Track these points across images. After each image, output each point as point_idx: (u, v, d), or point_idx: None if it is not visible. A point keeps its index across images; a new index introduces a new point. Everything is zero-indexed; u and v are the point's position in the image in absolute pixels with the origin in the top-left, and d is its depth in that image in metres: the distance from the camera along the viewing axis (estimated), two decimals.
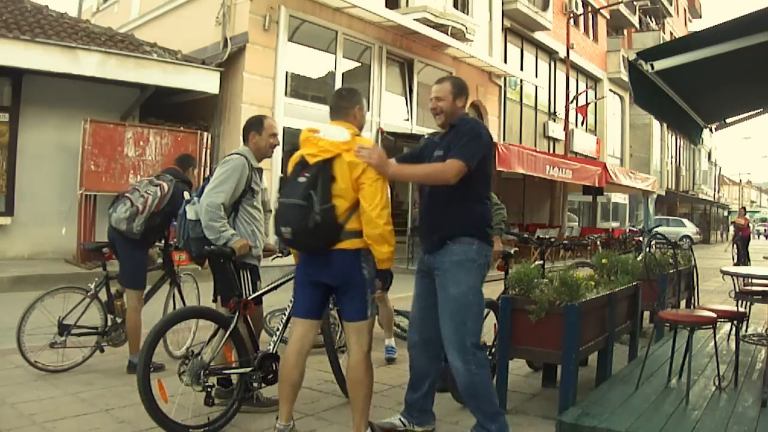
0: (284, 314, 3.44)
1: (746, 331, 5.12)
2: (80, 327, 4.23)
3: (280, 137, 3.82)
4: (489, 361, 3.09)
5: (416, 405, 3.23)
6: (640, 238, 7.42)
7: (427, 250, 3.11)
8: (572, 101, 19.73)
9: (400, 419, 3.24)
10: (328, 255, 2.81)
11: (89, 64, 9.32)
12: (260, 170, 3.66)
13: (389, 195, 2.89)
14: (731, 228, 24.27)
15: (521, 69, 19.42)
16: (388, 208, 2.84)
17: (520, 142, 18.25)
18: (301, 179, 2.79)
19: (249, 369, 3.22)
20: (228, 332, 3.17)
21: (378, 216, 2.77)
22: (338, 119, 2.99)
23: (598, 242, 13.32)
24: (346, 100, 3.03)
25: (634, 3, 27.45)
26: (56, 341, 4.16)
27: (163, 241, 4.53)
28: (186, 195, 3.95)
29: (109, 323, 4.37)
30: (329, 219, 2.73)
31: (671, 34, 32.78)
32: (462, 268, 2.97)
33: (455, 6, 16.03)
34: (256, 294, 3.46)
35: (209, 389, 3.08)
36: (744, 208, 22.52)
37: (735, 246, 17.82)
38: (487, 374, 3.02)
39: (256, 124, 3.67)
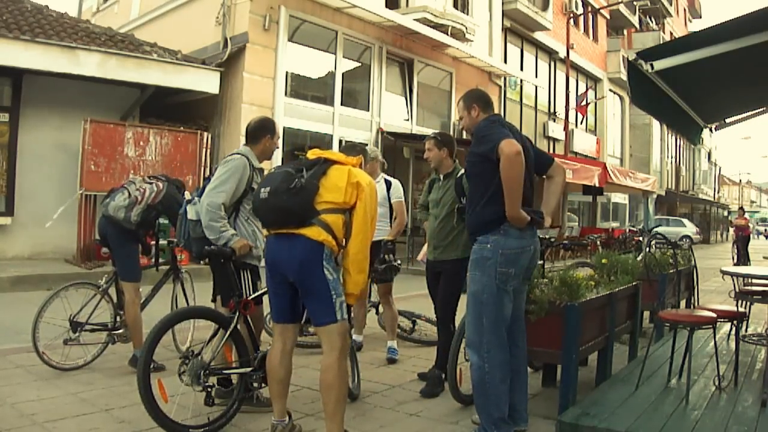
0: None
1: (746, 331, 5.12)
2: (91, 324, 4.28)
3: (279, 139, 3.83)
4: (508, 367, 3.07)
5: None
6: (640, 238, 7.42)
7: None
8: (581, 104, 19.74)
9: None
10: (291, 239, 2.80)
11: (89, 64, 9.32)
12: (261, 170, 3.66)
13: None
14: (731, 230, 24.24)
15: (521, 69, 19.43)
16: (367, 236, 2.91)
17: None
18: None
19: (249, 369, 3.22)
20: (228, 332, 3.18)
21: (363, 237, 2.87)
22: None
23: (598, 242, 13.31)
24: (352, 150, 3.44)
25: (634, 3, 27.44)
26: (70, 338, 4.19)
27: (153, 240, 4.57)
28: (187, 194, 3.96)
29: (119, 320, 4.39)
30: (310, 189, 2.81)
31: (671, 34, 32.77)
32: (478, 267, 3.06)
33: (455, 6, 16.03)
34: (257, 294, 3.46)
35: (209, 389, 3.08)
36: (742, 208, 22.49)
37: (735, 246, 17.84)
38: (501, 379, 3.02)
39: (271, 129, 3.67)
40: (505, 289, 3.04)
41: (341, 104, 12.89)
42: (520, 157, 2.90)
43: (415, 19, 13.61)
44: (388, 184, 4.93)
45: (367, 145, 10.72)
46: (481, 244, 3.06)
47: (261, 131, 3.65)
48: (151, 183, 4.31)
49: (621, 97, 27.24)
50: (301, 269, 2.79)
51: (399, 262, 4.69)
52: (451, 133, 15.02)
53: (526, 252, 3.08)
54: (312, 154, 2.99)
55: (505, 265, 3.01)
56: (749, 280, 5.24)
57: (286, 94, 11.80)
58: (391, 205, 4.91)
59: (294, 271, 2.81)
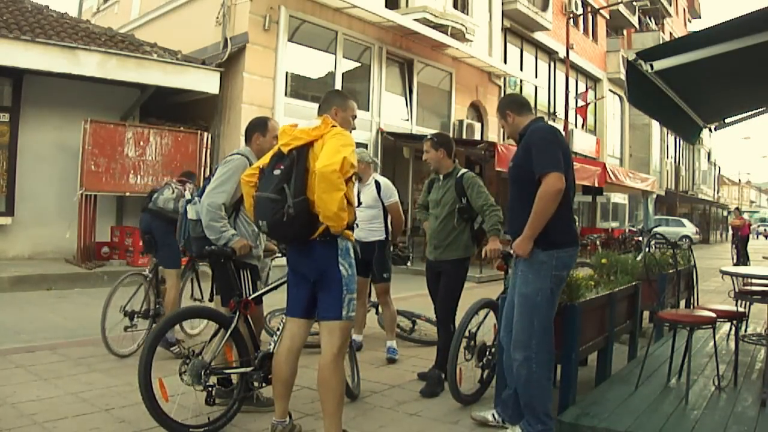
0: (285, 314, 3.45)
1: (746, 331, 5.13)
2: (143, 311, 4.74)
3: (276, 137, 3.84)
4: (553, 365, 3.12)
5: (509, 401, 3.28)
6: (640, 238, 7.43)
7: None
8: (582, 105, 19.74)
9: (493, 414, 3.34)
10: (307, 246, 2.83)
11: (89, 64, 9.31)
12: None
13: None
14: (730, 230, 24.27)
15: (521, 69, 19.42)
16: (340, 183, 2.69)
17: None
18: (276, 172, 2.82)
19: (250, 369, 3.23)
20: (229, 332, 3.18)
21: (326, 167, 2.65)
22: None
23: (598, 242, 13.33)
24: (326, 102, 3.10)
25: (634, 3, 27.44)
26: (129, 326, 4.66)
27: None
28: (187, 194, 4.00)
29: (159, 306, 4.79)
30: (303, 211, 2.74)
31: (671, 34, 32.78)
32: (531, 269, 3.06)
33: (455, 6, 16.03)
34: (257, 294, 3.46)
35: (210, 389, 3.08)
36: (738, 208, 22.47)
37: (734, 246, 17.86)
38: (547, 377, 3.07)
39: (260, 126, 3.68)
40: (558, 292, 3.12)
41: None
42: (559, 196, 2.96)
43: (415, 20, 13.61)
44: (378, 185, 4.86)
45: (366, 146, 10.69)
46: (535, 248, 3.05)
47: (251, 130, 3.70)
48: (183, 183, 4.90)
49: (621, 98, 27.21)
50: (319, 269, 2.84)
51: (410, 254, 4.74)
52: (450, 133, 15.03)
53: (575, 255, 3.16)
54: (284, 146, 2.86)
55: (560, 269, 3.07)
56: (749, 280, 5.25)
57: (286, 94, 11.79)
58: (384, 207, 4.88)
59: (313, 273, 2.86)
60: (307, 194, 2.76)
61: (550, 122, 19.39)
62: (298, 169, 2.78)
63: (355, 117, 3.14)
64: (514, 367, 3.12)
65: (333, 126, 2.88)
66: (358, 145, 4.79)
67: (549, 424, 3.07)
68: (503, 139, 17.64)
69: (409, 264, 4.91)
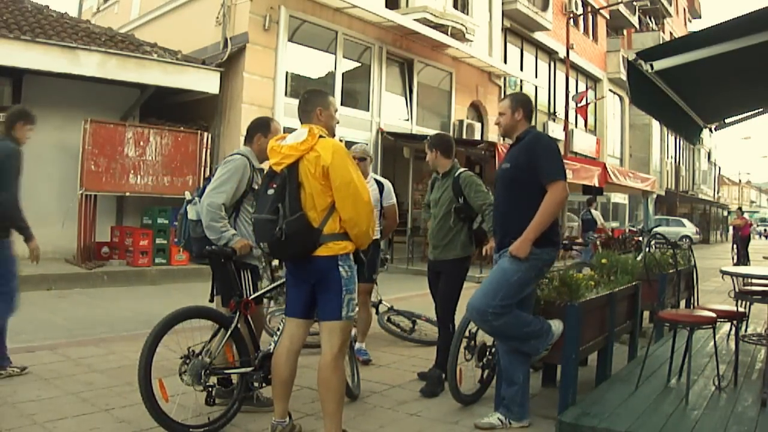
0: (284, 314, 3.45)
1: (746, 331, 5.13)
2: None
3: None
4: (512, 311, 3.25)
5: (514, 400, 3.29)
6: (640, 238, 7.42)
7: (497, 249, 3.42)
8: (580, 103, 19.73)
9: (498, 417, 3.32)
10: (308, 261, 2.83)
11: (89, 64, 9.31)
12: (262, 171, 3.66)
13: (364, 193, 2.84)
14: (731, 230, 24.25)
15: (521, 69, 19.43)
16: (364, 204, 2.81)
17: None
18: (270, 191, 2.82)
19: (250, 369, 3.23)
20: (229, 332, 3.19)
21: (353, 211, 2.78)
22: (304, 123, 2.99)
23: (598, 242, 13.30)
24: (308, 104, 3.02)
25: (634, 3, 27.44)
26: None
27: None
28: (187, 195, 3.98)
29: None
30: (301, 228, 2.74)
31: (671, 34, 32.77)
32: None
33: (455, 6, 16.03)
34: (257, 294, 3.46)
35: (210, 389, 3.09)
36: (740, 208, 22.46)
37: (735, 246, 17.85)
38: (513, 315, 3.18)
39: (262, 126, 3.67)
40: (533, 284, 3.29)
41: (341, 104, 12.87)
42: (564, 203, 3.25)
43: (415, 19, 13.61)
44: (380, 186, 4.79)
45: (367, 145, 10.72)
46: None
47: (253, 130, 3.68)
48: None
49: (621, 97, 27.23)
50: (319, 273, 2.84)
51: (388, 256, 4.71)
52: (450, 133, 15.03)
53: (553, 261, 3.34)
54: (275, 165, 2.84)
55: (546, 264, 3.26)
56: (749, 280, 5.24)
57: (286, 94, 11.79)
58: (382, 207, 4.82)
59: (313, 277, 2.87)
60: (304, 210, 2.76)
61: (550, 122, 19.33)
62: (291, 186, 2.77)
63: (336, 110, 3.12)
64: (497, 346, 3.35)
65: (320, 137, 2.85)
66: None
67: (542, 326, 3.25)
68: (503, 139, 17.63)
69: (386, 267, 4.95)
